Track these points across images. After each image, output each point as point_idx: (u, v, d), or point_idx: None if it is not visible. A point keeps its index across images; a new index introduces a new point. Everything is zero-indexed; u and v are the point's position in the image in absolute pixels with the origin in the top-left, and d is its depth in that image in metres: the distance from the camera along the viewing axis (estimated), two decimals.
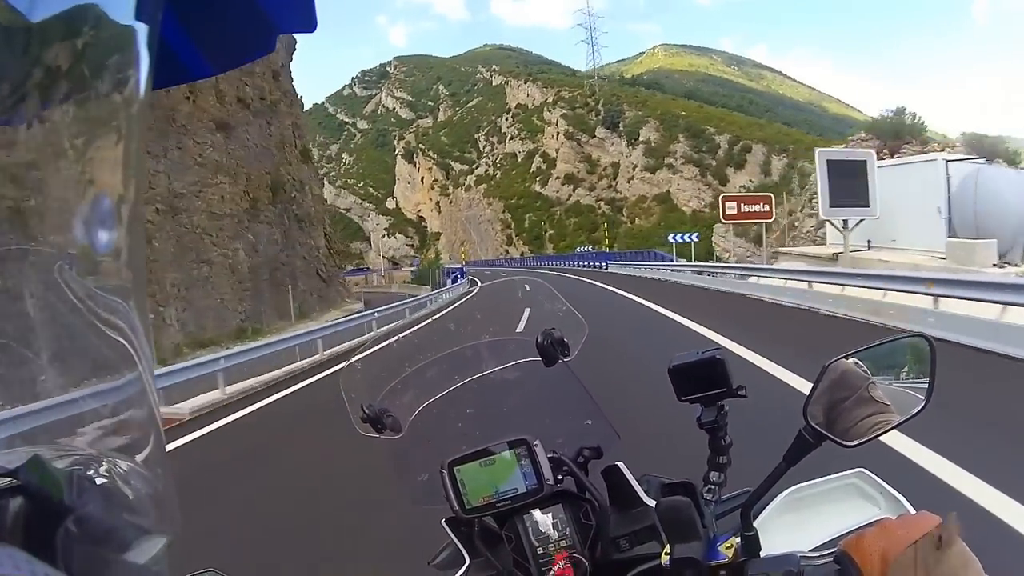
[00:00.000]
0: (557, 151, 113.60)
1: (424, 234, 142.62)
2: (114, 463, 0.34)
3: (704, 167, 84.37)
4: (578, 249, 62.63)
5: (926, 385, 0.69)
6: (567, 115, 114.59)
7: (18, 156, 0.33)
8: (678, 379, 0.76)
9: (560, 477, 0.79)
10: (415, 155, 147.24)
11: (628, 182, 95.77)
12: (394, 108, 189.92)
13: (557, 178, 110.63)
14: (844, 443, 0.65)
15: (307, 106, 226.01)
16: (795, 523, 0.82)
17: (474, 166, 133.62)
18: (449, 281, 36.58)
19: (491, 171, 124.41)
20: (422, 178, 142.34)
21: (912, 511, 0.71)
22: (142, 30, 0.32)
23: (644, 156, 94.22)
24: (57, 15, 0.30)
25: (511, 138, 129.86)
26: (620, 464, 0.82)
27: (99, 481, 0.33)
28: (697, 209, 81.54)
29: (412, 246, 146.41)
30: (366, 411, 0.85)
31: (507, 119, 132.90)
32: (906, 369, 0.71)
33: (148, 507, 0.33)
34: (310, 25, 0.52)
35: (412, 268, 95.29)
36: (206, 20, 0.47)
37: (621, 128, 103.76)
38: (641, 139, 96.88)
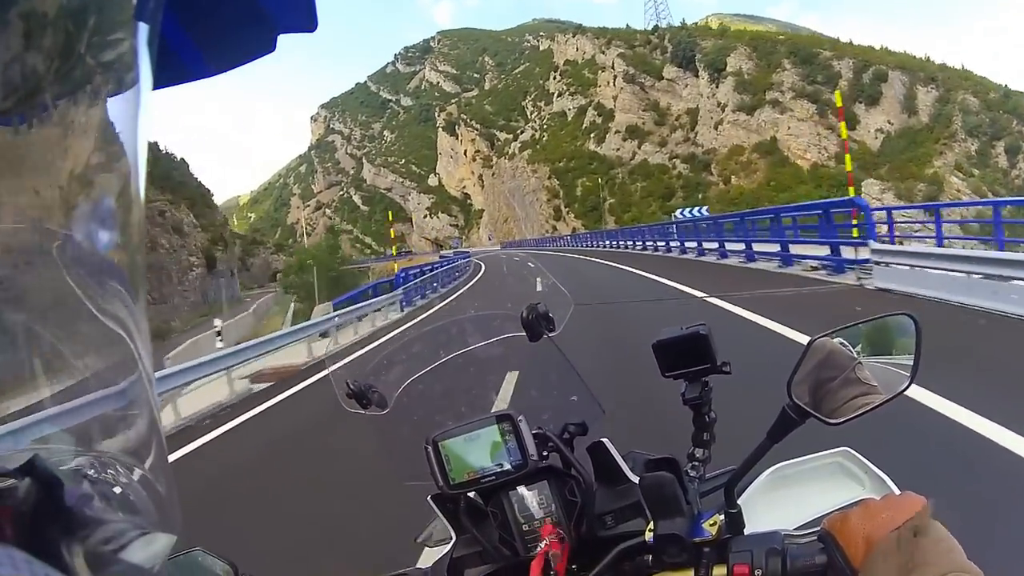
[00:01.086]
0: (615, 99, 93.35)
1: (469, 212, 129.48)
2: (114, 463, 0.35)
3: (822, 103, 61.48)
4: (679, 215, 34.53)
5: (911, 363, 0.69)
6: (625, 55, 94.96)
7: (17, 156, 0.33)
8: (662, 354, 0.75)
9: (545, 453, 0.78)
10: (457, 127, 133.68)
11: (715, 129, 75.39)
12: (438, 82, 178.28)
13: (616, 132, 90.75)
14: (829, 421, 0.65)
15: (349, 86, 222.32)
16: (779, 501, 0.82)
17: (519, 132, 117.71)
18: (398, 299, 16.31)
19: (538, 135, 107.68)
20: (465, 151, 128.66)
21: (896, 491, 0.72)
22: (142, 30, 0.32)
23: (735, 92, 72.65)
24: (56, 14, 0.30)
25: (559, 95, 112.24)
26: (606, 440, 0.81)
27: (99, 481, 0.33)
28: (818, 162, 60.23)
29: (456, 226, 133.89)
30: (351, 387, 0.85)
31: (555, 77, 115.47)
32: (891, 347, 0.71)
33: (149, 507, 0.34)
34: (311, 25, 0.52)
35: (451, 251, 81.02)
36: (206, 20, 0.47)
37: (699, 61, 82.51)
38: (729, 70, 74.52)
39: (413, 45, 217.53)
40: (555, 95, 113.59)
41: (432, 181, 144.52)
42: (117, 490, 0.33)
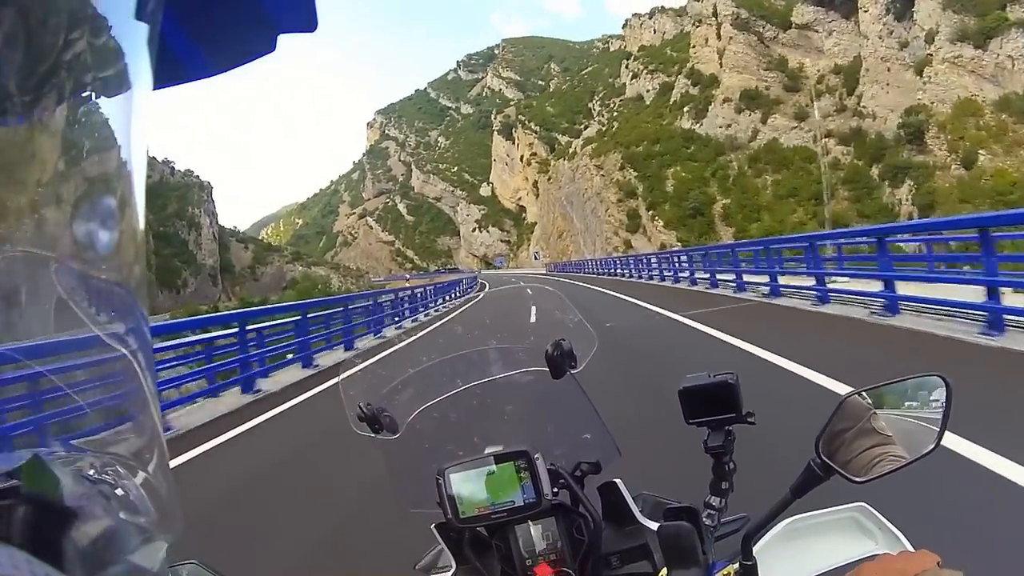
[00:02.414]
0: (720, 56, 60.86)
1: (521, 226, 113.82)
2: (115, 464, 0.35)
3: None
4: None
5: (939, 423, 0.68)
6: None
7: (17, 157, 0.33)
8: (688, 401, 0.74)
9: (556, 490, 0.77)
10: (514, 129, 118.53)
11: (923, 76, 41.30)
12: (500, 89, 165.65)
13: (726, 101, 58.98)
14: (854, 479, 0.65)
15: (408, 92, 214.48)
16: (793, 553, 0.82)
17: (583, 130, 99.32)
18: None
19: (605, 127, 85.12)
20: (521, 156, 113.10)
21: (911, 548, 0.71)
22: (142, 30, 0.32)
23: (947, 10, 39.99)
24: (56, 15, 0.29)
25: (633, 77, 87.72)
26: (618, 481, 0.81)
27: (99, 482, 0.33)
28: None
29: (508, 241, 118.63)
30: (363, 409, 0.83)
31: (626, 65, 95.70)
32: (920, 407, 0.70)
33: (149, 508, 0.34)
34: (311, 25, 0.52)
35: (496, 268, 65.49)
36: (206, 20, 0.47)
37: None
38: None
39: (477, 52, 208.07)
40: (630, 77, 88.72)
41: (484, 191, 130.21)
42: (118, 491, 0.33)
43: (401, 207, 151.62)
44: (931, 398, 0.70)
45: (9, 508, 0.27)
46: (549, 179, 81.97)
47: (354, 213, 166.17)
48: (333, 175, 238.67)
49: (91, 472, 0.33)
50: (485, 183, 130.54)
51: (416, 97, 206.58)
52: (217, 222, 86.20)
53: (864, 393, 0.68)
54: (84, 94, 0.32)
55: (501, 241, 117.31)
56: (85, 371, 0.34)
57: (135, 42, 0.32)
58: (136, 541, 0.30)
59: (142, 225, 0.34)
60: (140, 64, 0.33)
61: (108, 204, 0.33)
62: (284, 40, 0.51)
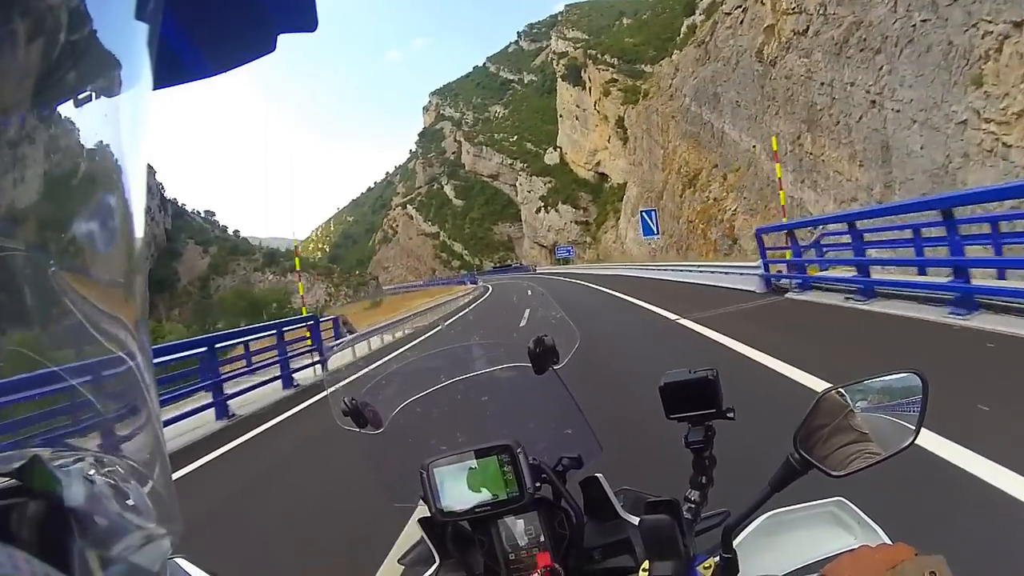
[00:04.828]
0: None
1: (602, 197, 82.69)
2: (114, 463, 0.35)
3: None
4: None
5: (916, 418, 0.69)
6: None
7: (17, 157, 0.32)
8: (669, 397, 0.75)
9: (538, 484, 0.78)
10: (583, 70, 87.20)
11: None
12: (567, 51, 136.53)
13: None
14: (832, 473, 0.65)
15: (467, 69, 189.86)
16: (772, 547, 0.82)
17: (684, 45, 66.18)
18: None
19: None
20: (595, 102, 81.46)
21: (889, 541, 0.72)
22: (142, 30, 0.32)
23: None
24: (56, 15, 0.29)
25: None
26: (600, 476, 0.81)
27: (99, 481, 0.32)
28: None
29: (585, 222, 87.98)
30: (347, 404, 0.83)
31: None
32: (897, 402, 0.71)
33: (149, 508, 0.34)
34: (311, 25, 0.51)
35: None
36: (206, 20, 0.47)
37: None
38: None
39: (538, 21, 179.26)
40: None
41: (551, 158, 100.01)
42: (118, 491, 0.33)
43: (448, 189, 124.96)
44: (906, 393, 0.70)
45: (10, 508, 0.27)
46: (647, 96, 49.74)
47: (400, 205, 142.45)
48: (389, 167, 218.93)
49: (91, 472, 0.33)
50: (551, 149, 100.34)
51: (474, 74, 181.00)
52: (165, 224, 64.20)
53: (842, 390, 0.69)
54: (84, 94, 0.32)
55: (575, 223, 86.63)
56: (85, 372, 0.33)
57: (135, 42, 0.32)
58: (136, 541, 0.31)
59: (142, 226, 0.34)
60: (140, 64, 0.33)
61: (108, 204, 0.33)
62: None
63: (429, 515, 0.78)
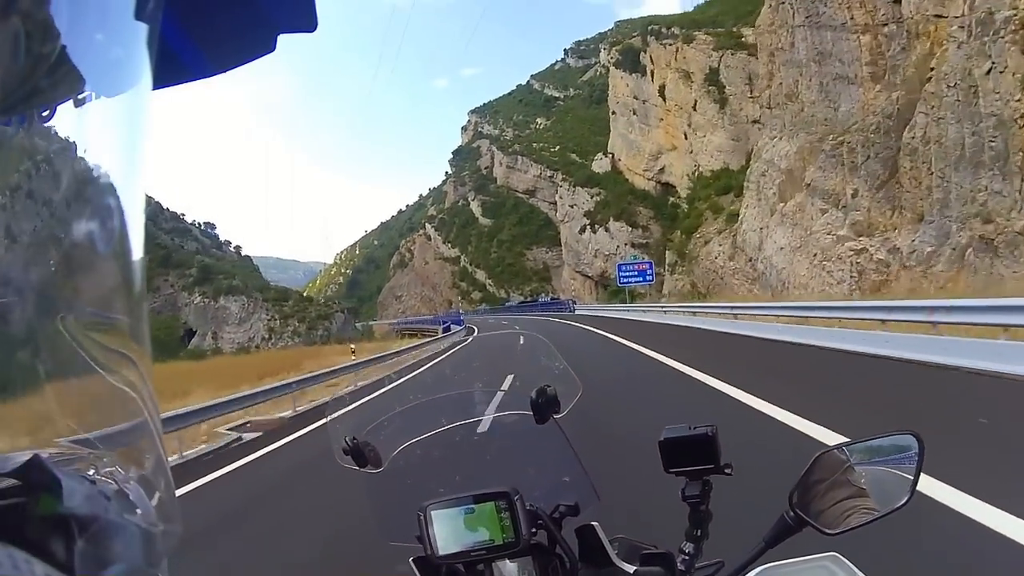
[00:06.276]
0: None
1: (669, 212, 61.71)
2: (114, 464, 0.35)
3: None
4: None
5: (911, 479, 0.69)
6: None
7: (17, 157, 0.33)
8: (668, 451, 0.76)
9: (534, 530, 0.79)
10: (643, 53, 67.67)
11: None
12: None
13: None
14: (826, 531, 0.65)
15: (510, 88, 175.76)
16: None
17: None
18: None
19: None
20: (660, 88, 61.36)
21: None
22: (142, 30, 0.32)
23: None
24: (56, 14, 0.29)
25: None
26: (596, 525, 0.82)
27: (99, 482, 0.33)
28: None
29: (644, 244, 66.95)
30: (348, 443, 0.85)
31: None
32: (893, 462, 0.72)
33: (149, 508, 0.34)
34: (311, 24, 0.52)
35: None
36: (206, 20, 0.47)
37: None
38: None
39: (585, 39, 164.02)
40: None
41: (600, 166, 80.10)
42: (117, 491, 0.33)
43: (475, 206, 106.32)
44: (902, 453, 0.71)
45: (10, 508, 0.27)
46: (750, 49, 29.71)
47: (423, 227, 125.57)
48: (423, 189, 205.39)
49: (91, 472, 0.33)
50: (601, 155, 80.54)
51: (517, 91, 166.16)
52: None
53: (840, 448, 0.70)
54: (84, 94, 0.32)
55: (632, 245, 65.37)
56: (85, 372, 0.33)
57: (135, 42, 0.32)
58: (136, 541, 0.31)
59: (142, 226, 0.34)
60: (140, 64, 0.33)
61: (108, 205, 0.33)
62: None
63: (424, 555, 0.78)
